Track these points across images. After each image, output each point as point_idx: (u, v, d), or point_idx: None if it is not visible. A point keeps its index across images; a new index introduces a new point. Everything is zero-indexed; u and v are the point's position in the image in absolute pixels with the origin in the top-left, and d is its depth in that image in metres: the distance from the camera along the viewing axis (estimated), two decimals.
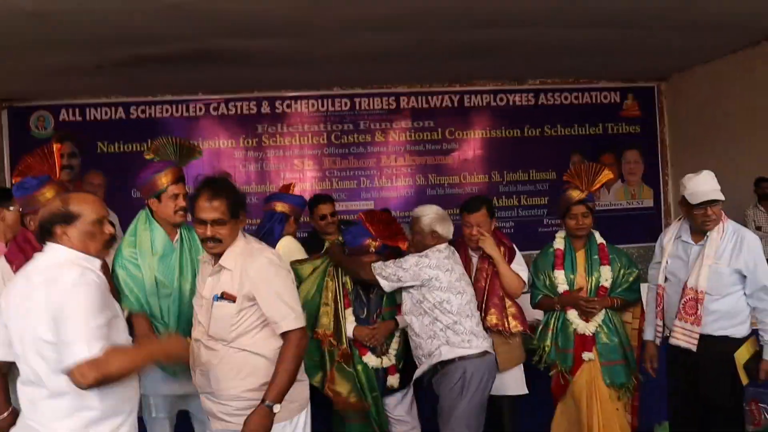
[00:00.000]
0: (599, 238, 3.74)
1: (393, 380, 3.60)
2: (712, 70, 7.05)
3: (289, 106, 7.62)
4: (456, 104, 7.74)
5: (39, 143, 7.27)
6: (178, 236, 3.17)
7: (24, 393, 2.23)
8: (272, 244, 3.56)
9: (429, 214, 3.56)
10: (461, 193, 7.53)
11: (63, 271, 2.15)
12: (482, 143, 7.79)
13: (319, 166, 7.68)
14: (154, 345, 2.54)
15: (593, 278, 3.63)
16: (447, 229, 3.57)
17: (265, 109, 7.59)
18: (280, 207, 3.83)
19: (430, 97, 7.70)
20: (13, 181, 2.92)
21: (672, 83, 7.89)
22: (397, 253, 3.64)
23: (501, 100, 7.77)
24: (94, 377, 2.04)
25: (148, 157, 3.23)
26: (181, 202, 3.11)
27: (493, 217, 3.83)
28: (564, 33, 5.59)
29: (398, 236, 3.64)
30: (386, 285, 3.45)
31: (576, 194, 3.67)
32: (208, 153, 7.40)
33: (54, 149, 2.99)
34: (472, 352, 3.36)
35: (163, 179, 3.09)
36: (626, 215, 7.83)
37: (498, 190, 7.70)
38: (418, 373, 3.52)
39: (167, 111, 7.43)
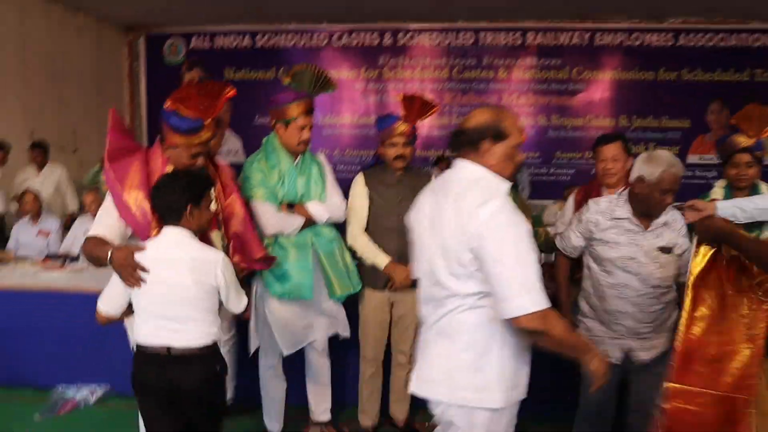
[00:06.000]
0: (766, 190, 3.40)
1: None
2: None
3: (411, 38, 7.52)
4: (586, 42, 7.33)
5: (171, 69, 7.72)
6: (298, 160, 3.29)
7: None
8: None
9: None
10: (584, 137, 7.22)
11: (483, 195, 1.93)
12: (611, 85, 7.38)
13: (439, 101, 7.53)
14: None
15: (753, 235, 3.28)
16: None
17: (387, 40, 7.53)
18: None
19: (558, 34, 7.34)
20: (169, 107, 2.59)
21: None
22: None
23: (635, 39, 7.27)
24: (541, 328, 1.87)
25: (285, 81, 3.28)
26: (306, 135, 3.19)
27: (630, 155, 3.35)
28: None
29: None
30: None
31: (742, 140, 3.30)
32: None
33: (227, 94, 2.68)
34: None
35: (295, 110, 3.16)
36: None
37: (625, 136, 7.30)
38: None
39: (291, 40, 7.54)
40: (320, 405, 3.54)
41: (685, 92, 7.24)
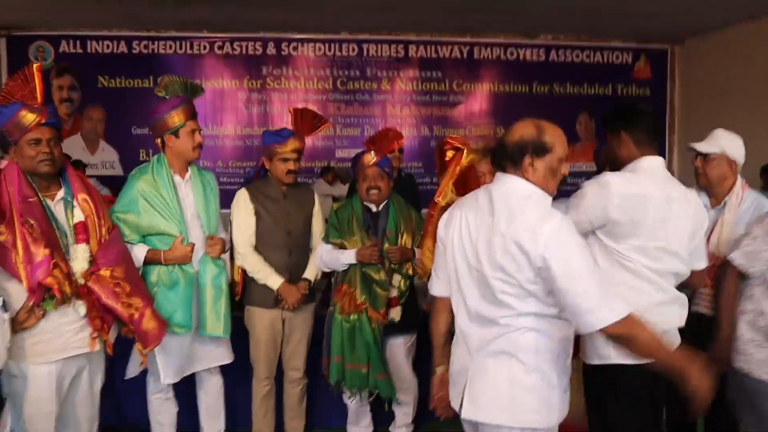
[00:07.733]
0: None
1: (395, 313, 3.32)
2: (729, 36, 6.90)
3: (295, 48, 7.49)
4: (465, 56, 7.62)
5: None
6: (189, 174, 3.14)
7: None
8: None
9: None
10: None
11: (539, 212, 1.89)
12: (489, 97, 7.71)
13: (323, 112, 7.49)
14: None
15: None
16: None
17: (271, 50, 7.46)
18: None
19: (438, 47, 7.58)
20: None
21: (686, 47, 7.75)
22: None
23: (511, 54, 7.65)
24: (630, 333, 1.84)
25: (159, 94, 3.15)
26: (199, 138, 3.09)
27: None
28: None
29: (395, 139, 3.44)
30: None
31: None
32: (211, 92, 7.32)
33: (34, 70, 2.71)
34: None
35: (181, 115, 3.04)
36: None
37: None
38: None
39: (170, 47, 7.29)
40: (214, 426, 3.44)
41: (557, 104, 7.66)
